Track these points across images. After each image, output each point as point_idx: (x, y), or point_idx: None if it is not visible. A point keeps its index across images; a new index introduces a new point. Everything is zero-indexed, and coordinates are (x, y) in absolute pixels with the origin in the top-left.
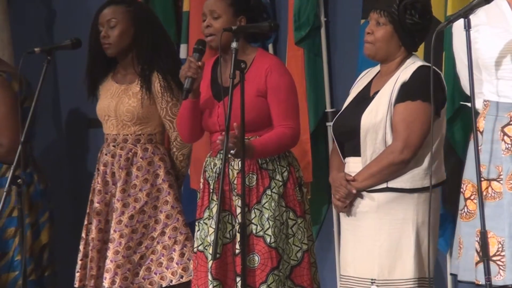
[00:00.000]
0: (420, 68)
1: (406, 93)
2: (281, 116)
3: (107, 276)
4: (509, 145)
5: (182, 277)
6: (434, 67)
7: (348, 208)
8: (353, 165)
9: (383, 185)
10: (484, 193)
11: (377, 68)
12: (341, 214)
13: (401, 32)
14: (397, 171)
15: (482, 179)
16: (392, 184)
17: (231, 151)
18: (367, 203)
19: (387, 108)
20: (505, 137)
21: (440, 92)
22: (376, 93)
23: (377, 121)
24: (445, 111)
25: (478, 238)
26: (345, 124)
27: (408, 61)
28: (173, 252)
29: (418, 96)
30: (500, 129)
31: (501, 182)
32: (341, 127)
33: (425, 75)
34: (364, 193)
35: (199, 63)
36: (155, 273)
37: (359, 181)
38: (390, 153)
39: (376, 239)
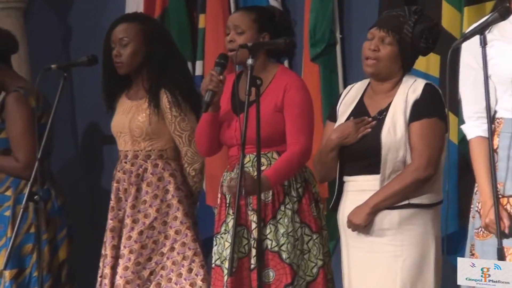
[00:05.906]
0: (427, 85)
1: (421, 111)
2: (293, 131)
3: None
4: None
5: None
6: (435, 85)
7: (367, 227)
8: (366, 183)
9: (405, 202)
10: None
11: (361, 85)
12: (351, 235)
13: (405, 54)
14: (420, 187)
15: (500, 196)
16: (414, 200)
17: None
18: (388, 220)
19: (404, 126)
20: None
21: (444, 109)
22: (383, 111)
23: (397, 139)
24: (448, 127)
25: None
26: (359, 142)
27: (406, 79)
28: (182, 268)
29: (435, 114)
30: None
31: None
32: (354, 145)
33: (435, 93)
34: (384, 210)
35: (221, 77)
36: None
37: (380, 201)
38: (415, 171)
39: (398, 254)
